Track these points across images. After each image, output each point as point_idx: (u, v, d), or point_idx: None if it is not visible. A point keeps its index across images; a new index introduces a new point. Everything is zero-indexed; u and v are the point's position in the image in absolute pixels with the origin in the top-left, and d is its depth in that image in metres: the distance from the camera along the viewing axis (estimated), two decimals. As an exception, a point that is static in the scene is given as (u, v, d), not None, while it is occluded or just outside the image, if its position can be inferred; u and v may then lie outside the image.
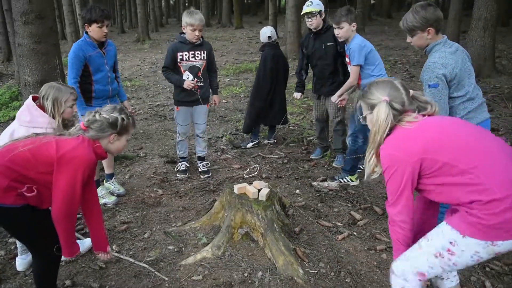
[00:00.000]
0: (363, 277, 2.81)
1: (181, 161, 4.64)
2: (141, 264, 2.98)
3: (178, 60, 4.17)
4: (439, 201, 1.92)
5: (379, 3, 29.48)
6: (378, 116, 1.94)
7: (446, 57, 2.67)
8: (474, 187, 1.72)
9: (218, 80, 4.63)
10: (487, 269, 2.85)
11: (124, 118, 2.34)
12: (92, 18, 3.58)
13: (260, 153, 5.19)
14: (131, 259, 3.04)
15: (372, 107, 2.01)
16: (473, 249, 1.75)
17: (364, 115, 2.11)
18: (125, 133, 2.39)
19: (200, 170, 4.60)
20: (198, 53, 4.20)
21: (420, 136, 1.86)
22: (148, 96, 8.85)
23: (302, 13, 4.44)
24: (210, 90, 4.47)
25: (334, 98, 4.20)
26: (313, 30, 4.45)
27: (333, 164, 4.76)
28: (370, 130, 2.03)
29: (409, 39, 2.89)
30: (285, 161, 4.94)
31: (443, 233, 1.84)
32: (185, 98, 4.27)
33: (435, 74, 2.64)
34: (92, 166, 2.25)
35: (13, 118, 2.95)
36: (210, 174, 4.55)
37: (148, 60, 14.11)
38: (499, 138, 1.89)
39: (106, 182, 4.12)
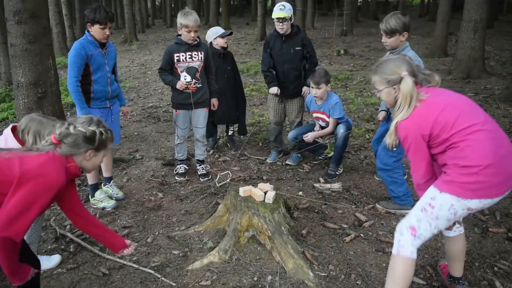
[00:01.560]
0: (373, 279, 2.78)
1: (179, 164, 4.56)
2: (146, 269, 2.90)
3: (175, 61, 4.11)
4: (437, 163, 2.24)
5: (365, 5, 29.74)
6: (407, 89, 2.12)
7: (415, 55, 3.33)
8: (458, 153, 2.06)
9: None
10: (496, 268, 2.86)
11: (103, 132, 2.08)
12: (95, 19, 3.51)
13: (259, 156, 5.13)
14: (135, 265, 2.96)
15: (390, 82, 2.22)
16: (449, 203, 2.09)
17: (380, 89, 2.30)
18: (103, 148, 2.13)
19: (199, 173, 4.53)
20: (195, 54, 4.13)
21: (429, 116, 2.10)
22: (140, 97, 8.74)
23: (273, 17, 4.39)
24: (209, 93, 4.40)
25: (310, 139, 4.45)
26: (283, 33, 4.48)
27: (287, 162, 4.86)
28: (392, 108, 2.35)
29: (384, 39, 3.43)
30: (284, 163, 4.90)
31: (428, 191, 2.18)
32: (183, 101, 4.20)
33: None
34: (61, 188, 1.95)
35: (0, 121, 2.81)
36: (210, 177, 4.49)
37: (137, 62, 13.96)
38: (486, 115, 2.19)
39: (104, 185, 4.03)
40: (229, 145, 5.49)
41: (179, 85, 4.03)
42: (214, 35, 4.95)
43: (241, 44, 16.94)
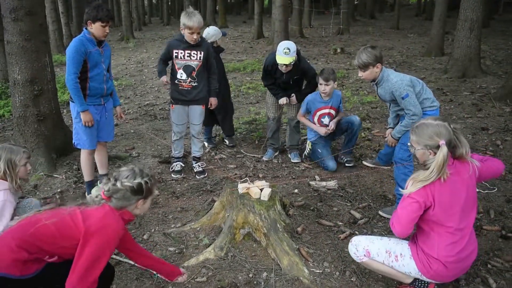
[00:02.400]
0: (368, 276, 2.80)
1: (176, 161, 4.58)
2: (142, 266, 2.90)
3: (173, 57, 4.15)
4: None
5: (362, 3, 29.78)
6: (442, 159, 2.26)
7: (398, 74, 3.50)
8: (432, 240, 2.38)
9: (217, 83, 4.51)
10: (489, 266, 2.88)
11: (148, 181, 2.17)
12: (98, 16, 3.52)
13: (255, 154, 5.15)
14: (131, 262, 2.96)
15: (427, 146, 2.36)
16: (410, 268, 2.44)
17: (416, 148, 2.44)
18: (150, 195, 2.23)
19: (195, 170, 4.54)
20: (194, 53, 4.14)
21: (442, 194, 2.31)
22: (136, 95, 8.73)
23: (278, 62, 4.35)
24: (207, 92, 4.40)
25: (333, 125, 4.62)
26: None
27: (292, 161, 4.89)
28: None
29: (360, 74, 3.57)
30: (280, 160, 4.92)
31: (402, 246, 2.51)
32: (178, 96, 4.24)
33: (402, 87, 3.38)
34: (121, 235, 2.10)
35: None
36: (206, 174, 4.50)
37: (134, 59, 13.94)
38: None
39: (100, 183, 4.03)
40: (226, 142, 5.46)
41: (160, 80, 4.18)
42: (218, 35, 4.91)
43: (238, 42, 16.93)
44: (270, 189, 3.23)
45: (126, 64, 13.05)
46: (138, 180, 2.13)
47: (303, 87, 4.78)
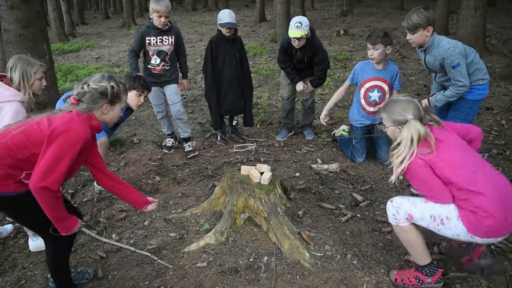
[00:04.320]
0: (369, 258, 2.78)
1: (168, 138, 4.84)
2: (142, 252, 2.91)
3: (146, 44, 4.28)
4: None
5: (366, -16, 29.29)
6: (408, 133, 2.24)
7: (450, 41, 3.32)
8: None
9: (187, 64, 4.71)
10: (492, 247, 2.85)
11: (114, 85, 2.23)
12: (133, 86, 3.64)
13: (257, 138, 5.11)
14: (132, 248, 2.97)
15: (395, 122, 2.35)
16: (457, 230, 2.24)
17: (386, 126, 2.44)
18: (117, 101, 2.29)
19: (185, 150, 4.65)
20: (165, 38, 4.31)
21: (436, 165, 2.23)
22: (138, 82, 8.68)
23: (290, 35, 4.30)
24: (180, 74, 4.62)
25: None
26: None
27: (307, 138, 4.90)
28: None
29: (409, 37, 3.39)
30: (282, 144, 4.89)
31: (448, 208, 2.26)
32: (153, 79, 4.36)
33: (455, 55, 3.21)
34: (86, 140, 2.14)
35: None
36: (197, 152, 4.60)
37: (135, 46, 13.83)
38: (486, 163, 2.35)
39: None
40: (234, 136, 5.24)
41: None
42: (218, 21, 4.75)
43: (240, 26, 16.76)
44: (270, 173, 3.20)
45: (128, 50, 12.95)
46: (105, 83, 2.20)
47: (315, 69, 4.66)
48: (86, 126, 2.14)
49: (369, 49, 3.91)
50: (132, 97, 3.66)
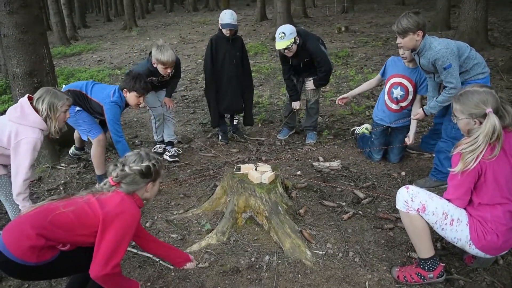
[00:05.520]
0: (372, 256, 2.77)
1: (161, 145, 4.80)
2: (144, 254, 2.91)
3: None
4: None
5: (367, -20, 29.20)
6: (490, 127, 2.12)
7: (442, 41, 3.26)
8: (484, 210, 2.26)
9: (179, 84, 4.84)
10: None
11: (155, 163, 2.17)
12: (134, 88, 3.68)
13: (258, 137, 5.11)
14: (134, 250, 2.97)
15: (472, 115, 2.23)
16: (461, 235, 2.30)
17: (459, 118, 2.31)
18: (158, 177, 2.24)
19: (169, 154, 4.64)
20: (166, 77, 4.32)
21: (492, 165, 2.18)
22: (139, 83, 8.69)
23: (277, 48, 4.33)
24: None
25: (412, 139, 3.91)
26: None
27: (307, 142, 4.81)
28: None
29: (399, 41, 3.36)
30: (283, 143, 4.88)
31: (461, 211, 2.31)
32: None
33: (446, 56, 3.15)
34: (139, 220, 2.13)
35: (2, 113, 2.87)
36: (178, 159, 4.61)
37: (137, 48, 13.87)
38: None
39: (98, 184, 4.02)
40: (235, 135, 5.23)
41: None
42: (220, 21, 4.71)
43: (241, 25, 16.75)
44: (271, 173, 3.20)
45: (130, 52, 12.99)
46: (146, 163, 2.13)
47: (317, 70, 4.60)
48: (136, 206, 2.11)
49: (400, 45, 3.56)
50: (132, 98, 3.71)
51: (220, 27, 4.57)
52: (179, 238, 3.10)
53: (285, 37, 4.20)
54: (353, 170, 4.02)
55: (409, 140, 3.86)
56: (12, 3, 4.28)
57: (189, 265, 2.55)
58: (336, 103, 4.41)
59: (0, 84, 8.47)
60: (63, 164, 4.56)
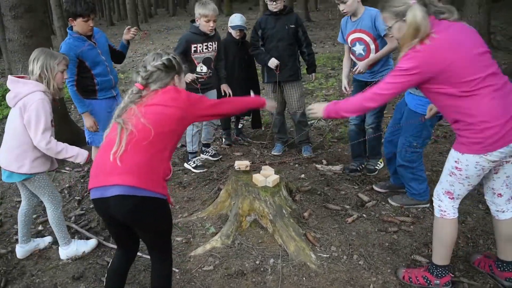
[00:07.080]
0: (376, 258, 2.78)
1: (195, 156, 4.49)
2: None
3: (192, 51, 4.06)
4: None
5: (369, -16, 29.25)
6: (413, 18, 2.02)
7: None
8: (466, 110, 2.07)
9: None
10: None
11: (174, 56, 2.21)
12: (77, 12, 3.38)
13: (262, 141, 5.12)
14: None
15: (399, 14, 2.12)
16: (474, 162, 2.13)
17: (390, 25, 2.21)
18: (181, 69, 2.27)
19: (210, 154, 4.63)
20: (210, 44, 4.13)
21: (441, 56, 2.02)
22: (143, 87, 8.73)
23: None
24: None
25: (361, 69, 3.67)
26: (276, 11, 4.24)
27: (303, 154, 4.54)
28: (398, 39, 2.22)
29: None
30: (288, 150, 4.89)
31: (451, 156, 2.24)
32: (190, 86, 4.04)
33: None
34: None
35: (7, 117, 2.85)
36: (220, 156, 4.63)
37: (140, 52, 13.95)
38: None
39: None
40: (238, 138, 5.24)
41: (189, 78, 3.88)
42: (229, 23, 4.74)
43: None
44: (275, 176, 3.21)
45: (133, 57, 13.06)
46: (165, 56, 2.16)
47: (303, 56, 4.43)
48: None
49: (339, 4, 3.62)
50: (80, 25, 3.46)
51: (230, 30, 4.64)
52: (183, 241, 3.11)
53: None
54: (357, 173, 4.02)
55: (360, 68, 3.66)
56: (17, 8, 4.34)
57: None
58: (347, 92, 3.94)
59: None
60: (67, 168, 4.58)
